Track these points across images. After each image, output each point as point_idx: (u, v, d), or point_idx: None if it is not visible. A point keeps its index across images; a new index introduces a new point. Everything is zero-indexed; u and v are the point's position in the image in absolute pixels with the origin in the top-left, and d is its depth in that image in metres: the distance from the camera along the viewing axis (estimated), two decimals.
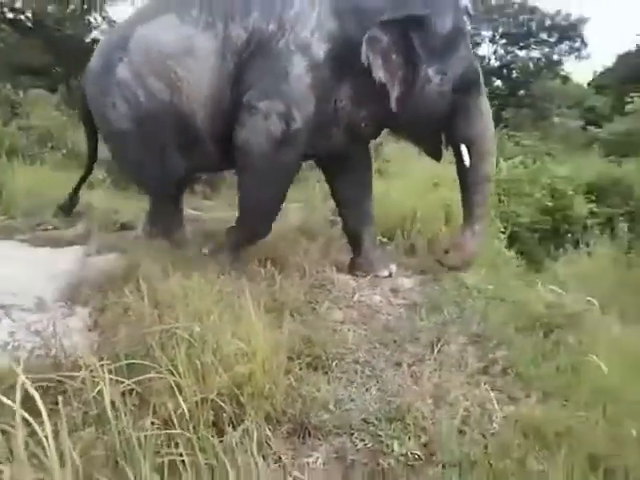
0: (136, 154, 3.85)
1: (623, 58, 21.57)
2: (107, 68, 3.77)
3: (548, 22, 22.56)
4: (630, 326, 3.08)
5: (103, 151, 6.92)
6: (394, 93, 3.07)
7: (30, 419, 1.03)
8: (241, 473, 1.26)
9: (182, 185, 4.19)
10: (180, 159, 3.68)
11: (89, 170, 4.47)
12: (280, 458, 1.50)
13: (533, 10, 22.81)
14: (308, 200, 5.23)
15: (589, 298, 2.86)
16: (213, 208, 6.24)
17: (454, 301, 3.04)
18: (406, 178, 5.37)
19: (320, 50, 3.14)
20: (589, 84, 23.30)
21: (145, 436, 1.24)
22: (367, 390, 1.98)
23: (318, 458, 1.58)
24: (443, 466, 1.57)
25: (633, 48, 20.85)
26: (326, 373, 2.04)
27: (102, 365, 1.33)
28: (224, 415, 1.50)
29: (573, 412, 1.85)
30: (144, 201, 6.31)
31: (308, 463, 1.53)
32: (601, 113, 17.31)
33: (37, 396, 1.03)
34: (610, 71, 22.21)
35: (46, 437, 1.02)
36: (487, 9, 22.04)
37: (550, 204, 5.63)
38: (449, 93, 3.15)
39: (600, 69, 23.44)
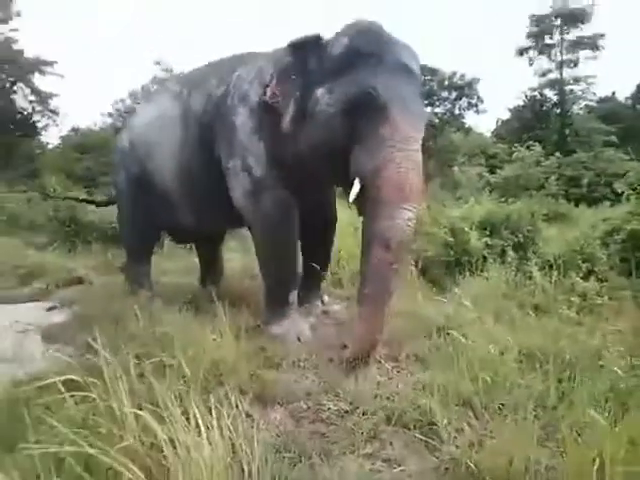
0: (123, 212, 4.48)
1: (514, 111, 24.54)
2: (118, 138, 4.56)
3: (446, 82, 25.29)
4: (512, 328, 3.96)
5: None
6: (288, 113, 2.98)
7: None
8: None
9: (152, 245, 4.62)
10: (153, 220, 4.18)
11: None
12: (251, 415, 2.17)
13: (434, 72, 25.65)
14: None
15: (468, 305, 3.72)
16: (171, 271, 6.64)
17: None
18: None
19: (256, 96, 3.25)
20: (492, 133, 26.16)
21: None
22: (307, 377, 2.69)
23: (277, 417, 2.26)
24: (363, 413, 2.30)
25: (521, 102, 23.81)
26: (277, 367, 2.74)
27: None
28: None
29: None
30: (90, 259, 6.77)
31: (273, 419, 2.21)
32: (502, 159, 19.57)
33: None
34: (505, 123, 25.08)
35: None
36: None
37: (451, 239, 6.64)
38: (339, 115, 2.81)
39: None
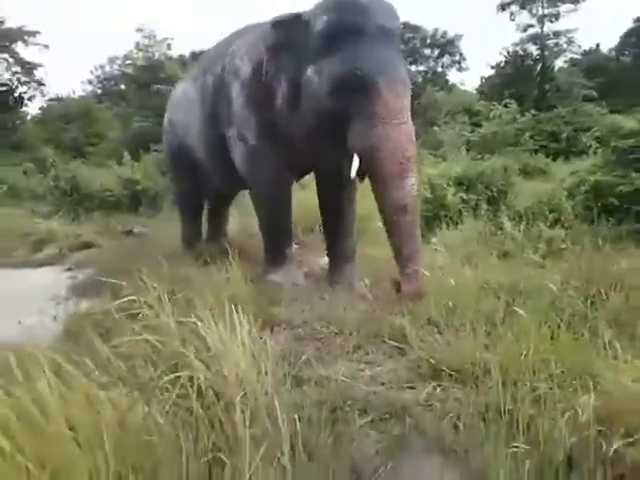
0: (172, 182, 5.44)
1: (497, 67, 24.71)
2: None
3: (429, 40, 25.37)
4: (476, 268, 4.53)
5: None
6: (280, 90, 3.23)
7: None
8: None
9: (198, 207, 5.19)
10: (194, 185, 4.86)
11: None
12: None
13: (416, 29, 25.65)
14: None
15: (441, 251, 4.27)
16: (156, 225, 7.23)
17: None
18: None
19: (247, 70, 3.55)
20: (477, 90, 26.34)
21: None
22: (304, 310, 3.27)
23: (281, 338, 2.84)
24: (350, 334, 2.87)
25: (503, 58, 23.97)
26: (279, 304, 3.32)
27: None
28: None
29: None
30: (94, 225, 7.26)
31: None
32: (486, 117, 19.91)
33: None
34: (487, 79, 25.29)
35: None
36: None
37: (430, 195, 7.17)
38: (330, 96, 3.02)
39: None
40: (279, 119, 3.38)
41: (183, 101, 4.61)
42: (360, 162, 3.07)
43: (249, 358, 2.14)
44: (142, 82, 17.07)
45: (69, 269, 5.18)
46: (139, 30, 18.46)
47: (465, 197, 7.70)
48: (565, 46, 23.35)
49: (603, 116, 14.66)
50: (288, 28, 3.22)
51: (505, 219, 6.54)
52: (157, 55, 18.79)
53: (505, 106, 13.42)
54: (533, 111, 13.13)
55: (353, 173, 3.09)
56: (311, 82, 3.12)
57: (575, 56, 24.31)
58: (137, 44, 18.60)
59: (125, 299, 2.20)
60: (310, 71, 3.12)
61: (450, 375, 2.37)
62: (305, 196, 5.54)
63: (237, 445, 1.60)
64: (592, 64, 23.94)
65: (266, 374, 2.11)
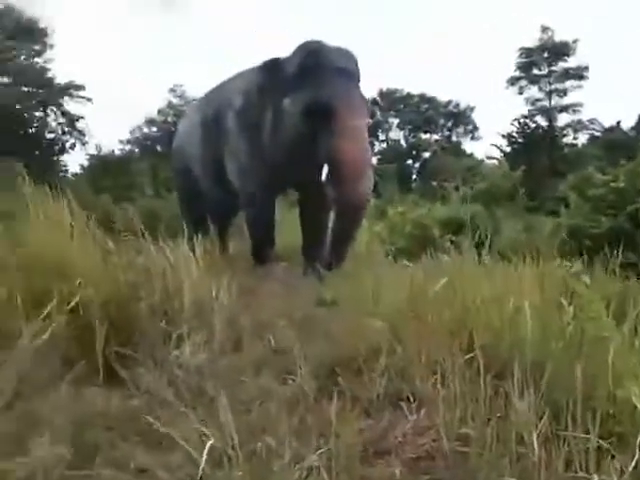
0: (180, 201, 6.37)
1: (507, 137, 25.73)
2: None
3: (442, 110, 26.94)
4: None
5: None
6: (265, 119, 3.99)
7: None
8: None
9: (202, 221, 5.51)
10: (199, 202, 5.46)
11: None
12: None
13: (431, 100, 27.32)
14: None
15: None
16: None
17: None
18: None
19: (240, 102, 4.29)
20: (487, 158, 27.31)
21: None
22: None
23: None
24: None
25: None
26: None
27: None
28: None
29: None
30: None
31: None
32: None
33: None
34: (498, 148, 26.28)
35: None
36: (391, 101, 26.34)
37: (416, 232, 7.90)
38: (302, 116, 3.71)
39: None
40: (264, 141, 4.13)
41: (186, 129, 5.49)
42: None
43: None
44: (172, 137, 18.64)
45: None
46: (172, 90, 20.57)
47: (453, 238, 8.38)
48: (573, 120, 24.47)
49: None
50: (270, 70, 4.10)
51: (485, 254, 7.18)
52: None
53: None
54: (524, 167, 13.95)
55: (323, 177, 3.74)
56: (287, 110, 3.91)
57: (595, 132, 25.22)
58: (169, 103, 20.63)
59: None
60: (286, 102, 3.90)
61: None
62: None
63: None
64: (610, 140, 24.58)
65: None
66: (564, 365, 1.57)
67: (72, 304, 1.84)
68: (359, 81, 4.15)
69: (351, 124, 3.67)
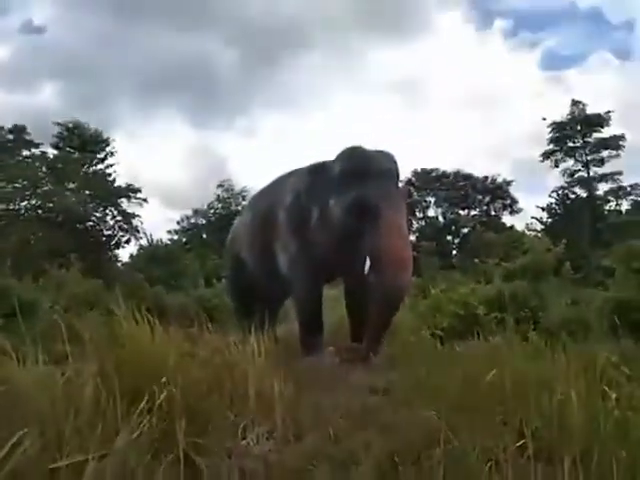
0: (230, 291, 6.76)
1: (547, 209, 25.67)
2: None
3: (479, 186, 27.27)
4: None
5: None
6: (313, 217, 4.36)
7: None
8: None
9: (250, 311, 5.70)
10: (250, 292, 5.75)
11: None
12: None
13: (467, 177, 27.77)
14: None
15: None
16: None
17: None
18: None
19: (290, 201, 4.66)
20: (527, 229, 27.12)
21: None
22: None
23: None
24: None
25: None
26: None
27: None
28: None
29: None
30: None
31: None
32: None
33: None
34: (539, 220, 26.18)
35: None
36: (427, 180, 27.00)
37: (461, 312, 7.90)
38: (345, 216, 4.10)
39: None
40: (312, 236, 4.49)
41: (239, 224, 5.98)
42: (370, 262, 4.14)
43: None
44: (220, 227, 19.67)
45: None
46: (220, 186, 21.98)
47: (498, 315, 8.32)
48: (613, 187, 24.23)
49: None
50: (317, 173, 4.52)
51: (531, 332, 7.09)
52: (234, 205, 21.93)
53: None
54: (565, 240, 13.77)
55: (366, 270, 4.16)
56: (333, 210, 4.29)
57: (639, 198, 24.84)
58: (218, 197, 21.96)
59: None
60: (332, 202, 4.30)
61: None
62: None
63: None
64: None
65: None
66: (610, 451, 1.68)
67: (159, 401, 2.09)
68: (398, 179, 4.56)
69: (393, 222, 4.01)
